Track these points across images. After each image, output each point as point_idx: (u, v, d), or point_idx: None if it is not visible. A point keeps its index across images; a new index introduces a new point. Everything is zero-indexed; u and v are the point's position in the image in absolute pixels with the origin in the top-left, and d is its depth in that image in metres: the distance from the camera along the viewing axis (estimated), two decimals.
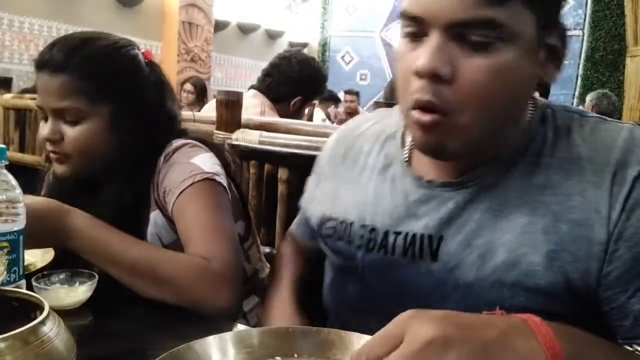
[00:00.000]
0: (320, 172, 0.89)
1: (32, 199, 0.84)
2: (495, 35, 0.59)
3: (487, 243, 0.67)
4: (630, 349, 0.60)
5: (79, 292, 0.78)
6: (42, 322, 0.48)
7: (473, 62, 0.60)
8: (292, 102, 2.12)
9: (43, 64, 0.99)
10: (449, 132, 0.63)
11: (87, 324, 0.76)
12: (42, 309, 0.50)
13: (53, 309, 0.53)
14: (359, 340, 0.60)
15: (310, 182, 0.92)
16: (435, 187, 0.71)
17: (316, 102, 5.59)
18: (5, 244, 0.70)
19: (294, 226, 0.98)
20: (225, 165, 1.08)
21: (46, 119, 1.01)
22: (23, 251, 0.74)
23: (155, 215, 1.03)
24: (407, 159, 0.75)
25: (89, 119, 0.99)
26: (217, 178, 1.00)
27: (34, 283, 0.76)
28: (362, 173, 0.80)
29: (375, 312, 0.73)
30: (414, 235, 0.71)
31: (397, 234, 0.73)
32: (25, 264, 0.77)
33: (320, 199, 0.86)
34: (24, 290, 0.55)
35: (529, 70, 0.64)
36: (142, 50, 1.10)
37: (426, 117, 0.62)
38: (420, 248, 0.71)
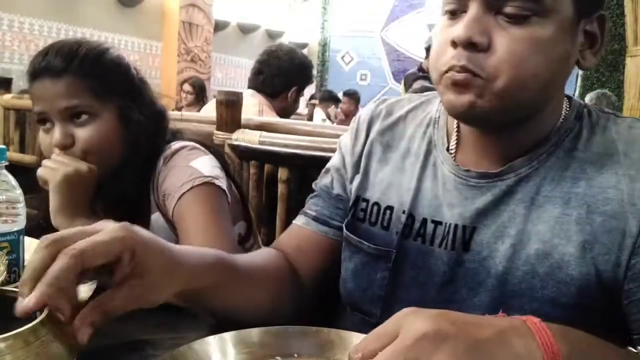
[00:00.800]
0: (350, 150, 0.85)
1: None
2: (531, 7, 0.62)
3: (520, 233, 0.68)
4: (634, 350, 0.60)
5: (79, 292, 0.78)
6: (43, 322, 0.48)
7: (509, 32, 0.63)
8: (290, 93, 2.17)
9: (40, 71, 0.99)
10: (481, 93, 0.64)
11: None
12: (42, 310, 0.50)
13: None
14: (359, 340, 0.60)
15: (336, 160, 0.88)
16: (473, 177, 0.72)
17: (316, 102, 5.61)
18: (5, 244, 0.70)
19: (310, 213, 0.87)
20: (224, 166, 1.09)
21: (49, 129, 1.00)
22: (23, 251, 0.74)
23: (156, 217, 1.03)
24: (448, 146, 0.76)
25: (100, 117, 1.00)
26: (216, 181, 1.01)
27: None
28: (406, 158, 0.80)
29: (401, 301, 0.74)
30: (449, 225, 0.72)
31: (436, 223, 0.74)
32: (25, 264, 0.77)
33: (355, 179, 0.83)
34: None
35: (564, 49, 0.65)
36: None
37: (461, 75, 0.64)
38: (453, 238, 0.72)
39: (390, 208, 0.78)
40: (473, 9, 0.64)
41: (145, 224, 1.03)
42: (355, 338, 0.62)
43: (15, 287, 0.66)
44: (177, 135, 1.12)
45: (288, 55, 2.19)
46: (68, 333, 0.51)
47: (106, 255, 0.52)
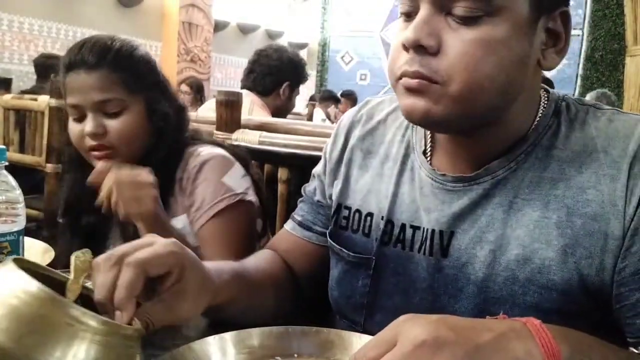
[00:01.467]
0: (329, 156, 0.85)
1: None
2: (481, 7, 0.59)
3: (499, 238, 0.66)
4: (636, 351, 0.60)
5: None
6: (138, 332, 0.50)
7: (459, 34, 0.60)
8: (282, 90, 2.19)
9: (75, 64, 1.04)
10: (435, 98, 0.61)
11: None
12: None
13: None
14: (359, 340, 0.61)
15: (319, 166, 0.88)
16: (449, 181, 0.70)
17: (316, 102, 5.61)
18: (5, 244, 0.70)
19: (296, 218, 0.88)
20: (247, 169, 1.15)
21: (80, 119, 1.06)
22: (23, 251, 0.74)
23: (183, 219, 1.08)
24: (425, 149, 0.74)
25: (129, 109, 1.05)
26: (246, 197, 1.08)
27: None
28: (384, 164, 0.78)
29: (383, 309, 0.74)
30: (427, 230, 0.70)
31: (414, 228, 0.72)
32: None
33: (335, 185, 0.82)
34: None
35: (521, 49, 0.61)
36: None
37: (414, 81, 0.61)
38: (431, 243, 0.70)
39: (371, 215, 0.77)
40: (423, 10, 0.61)
41: (168, 210, 1.08)
42: (355, 338, 0.62)
43: None
44: (195, 135, 1.17)
45: (277, 53, 2.23)
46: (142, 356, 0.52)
47: (162, 266, 0.55)
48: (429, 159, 0.73)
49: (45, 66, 3.83)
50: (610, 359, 0.52)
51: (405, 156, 0.76)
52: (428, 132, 0.75)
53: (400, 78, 0.63)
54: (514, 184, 0.66)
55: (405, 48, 0.62)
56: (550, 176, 0.65)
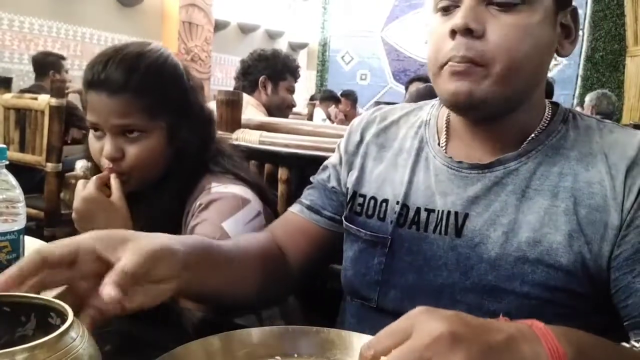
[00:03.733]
0: (344, 150, 0.91)
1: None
2: None
3: (512, 222, 0.73)
4: (636, 349, 0.61)
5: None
6: (67, 331, 0.46)
7: (500, 20, 0.69)
8: (260, 85, 2.35)
9: (99, 83, 0.98)
10: (479, 79, 0.70)
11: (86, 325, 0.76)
12: (65, 316, 0.49)
13: None
14: (359, 340, 0.61)
15: (334, 158, 0.93)
16: (465, 168, 0.77)
17: (316, 102, 5.61)
18: (5, 243, 0.70)
19: (304, 202, 0.92)
20: (263, 196, 1.07)
21: (100, 136, 1.02)
22: (23, 251, 0.74)
23: None
24: (439, 142, 0.81)
25: (150, 134, 1.01)
26: None
27: None
28: (399, 156, 0.85)
29: (397, 286, 0.79)
30: (442, 212, 0.77)
31: (429, 211, 0.78)
32: None
33: (350, 175, 0.88)
34: (44, 297, 0.54)
35: (548, 36, 0.72)
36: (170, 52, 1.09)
37: (461, 66, 0.70)
38: (446, 224, 0.76)
39: (386, 201, 0.83)
40: (467, 1, 0.70)
41: (179, 233, 1.03)
42: (355, 338, 0.62)
43: None
44: (218, 155, 1.10)
45: (251, 54, 2.43)
46: (92, 340, 0.50)
47: (63, 247, 0.56)
48: (444, 149, 0.80)
49: (43, 64, 3.83)
50: (612, 357, 0.54)
51: (420, 149, 0.84)
52: (443, 126, 0.82)
53: (445, 64, 0.72)
54: (526, 175, 0.74)
55: (452, 35, 0.70)
56: (559, 171, 0.73)
